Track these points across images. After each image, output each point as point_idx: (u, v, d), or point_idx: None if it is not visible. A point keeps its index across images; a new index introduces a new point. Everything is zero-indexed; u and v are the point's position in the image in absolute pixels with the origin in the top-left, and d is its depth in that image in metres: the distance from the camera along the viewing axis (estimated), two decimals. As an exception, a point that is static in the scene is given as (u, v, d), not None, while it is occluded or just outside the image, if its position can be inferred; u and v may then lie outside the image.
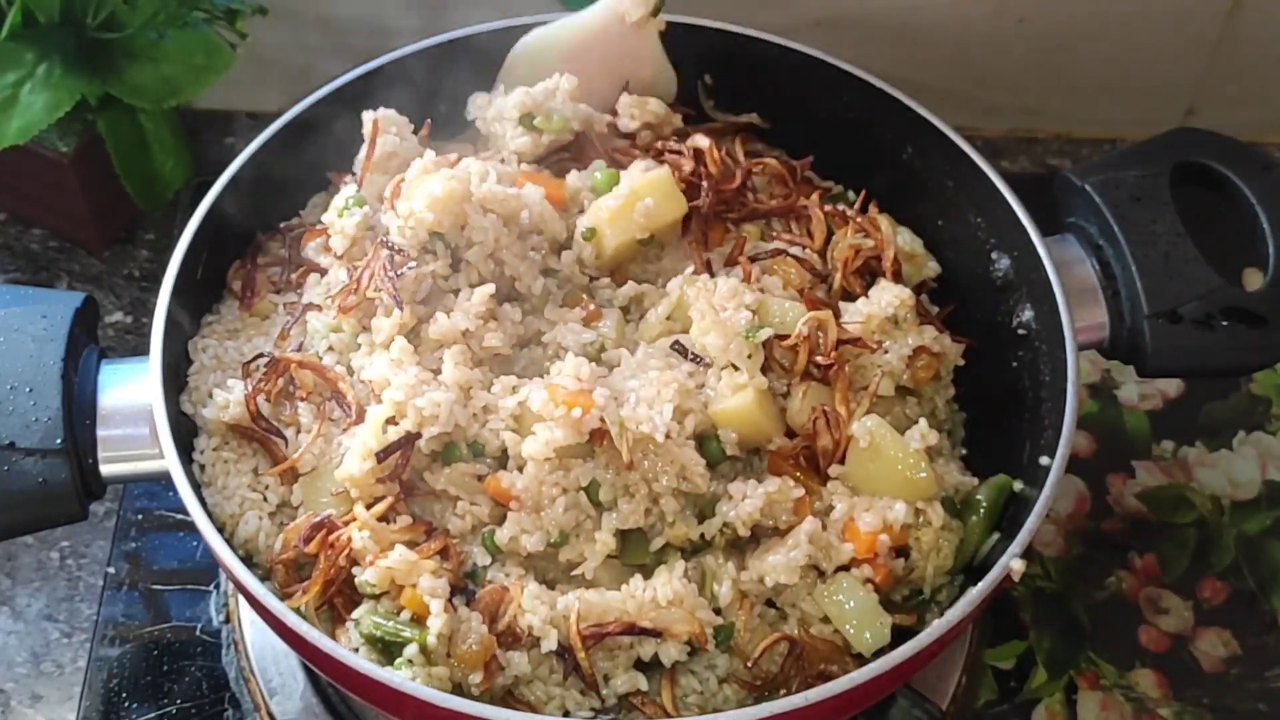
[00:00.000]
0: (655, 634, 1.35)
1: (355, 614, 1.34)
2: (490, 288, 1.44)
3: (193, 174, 1.90)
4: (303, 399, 1.46)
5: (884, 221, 1.61)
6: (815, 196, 1.63)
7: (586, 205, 1.54)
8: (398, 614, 1.32)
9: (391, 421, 1.38)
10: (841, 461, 1.43)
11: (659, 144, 1.61)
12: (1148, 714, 1.67)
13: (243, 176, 1.56)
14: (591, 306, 1.50)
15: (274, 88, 1.77)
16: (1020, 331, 1.57)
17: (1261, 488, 1.85)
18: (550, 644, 1.33)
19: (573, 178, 1.57)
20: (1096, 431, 1.89)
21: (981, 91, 2.13)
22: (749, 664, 1.37)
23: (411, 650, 1.29)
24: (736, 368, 1.43)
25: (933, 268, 1.64)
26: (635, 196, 1.51)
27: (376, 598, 1.34)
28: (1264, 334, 1.53)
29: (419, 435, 1.37)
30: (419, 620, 1.31)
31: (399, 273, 1.44)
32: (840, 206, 1.64)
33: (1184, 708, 1.67)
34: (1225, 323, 1.53)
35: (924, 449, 1.43)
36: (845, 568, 1.40)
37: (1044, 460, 1.42)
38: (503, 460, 1.41)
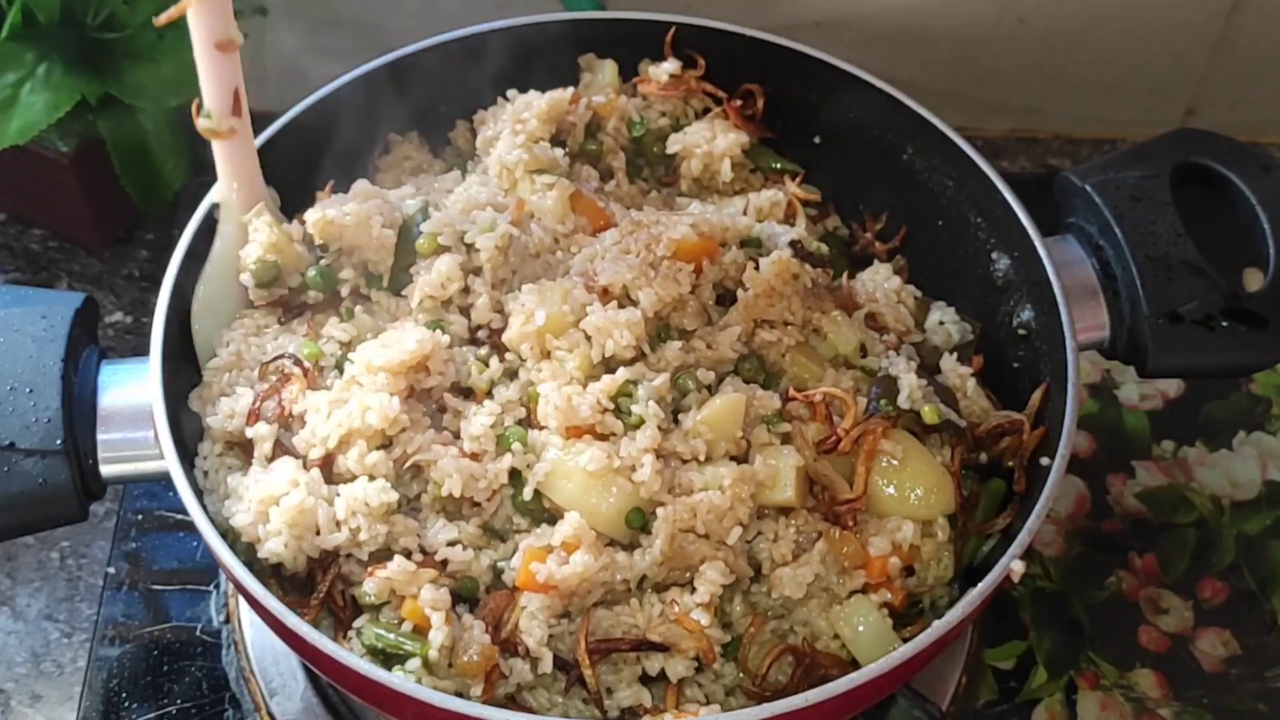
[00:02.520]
0: (663, 649, 1.34)
1: (356, 623, 1.33)
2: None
3: (193, 174, 1.90)
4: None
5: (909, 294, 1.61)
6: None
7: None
8: (399, 624, 1.31)
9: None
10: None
11: None
12: (1148, 714, 1.67)
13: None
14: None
15: (274, 88, 1.76)
16: (1020, 332, 1.57)
17: (1261, 488, 1.85)
18: (545, 666, 1.31)
19: None
20: (1096, 431, 1.89)
21: (982, 91, 2.13)
22: (757, 680, 1.36)
23: (414, 664, 1.28)
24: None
25: (960, 330, 1.62)
26: None
27: (377, 608, 1.34)
28: (1264, 334, 1.53)
29: None
30: (420, 631, 1.30)
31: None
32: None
33: (1184, 708, 1.67)
34: (1226, 323, 1.53)
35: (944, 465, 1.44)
36: (861, 590, 1.40)
37: (1044, 460, 1.42)
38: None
